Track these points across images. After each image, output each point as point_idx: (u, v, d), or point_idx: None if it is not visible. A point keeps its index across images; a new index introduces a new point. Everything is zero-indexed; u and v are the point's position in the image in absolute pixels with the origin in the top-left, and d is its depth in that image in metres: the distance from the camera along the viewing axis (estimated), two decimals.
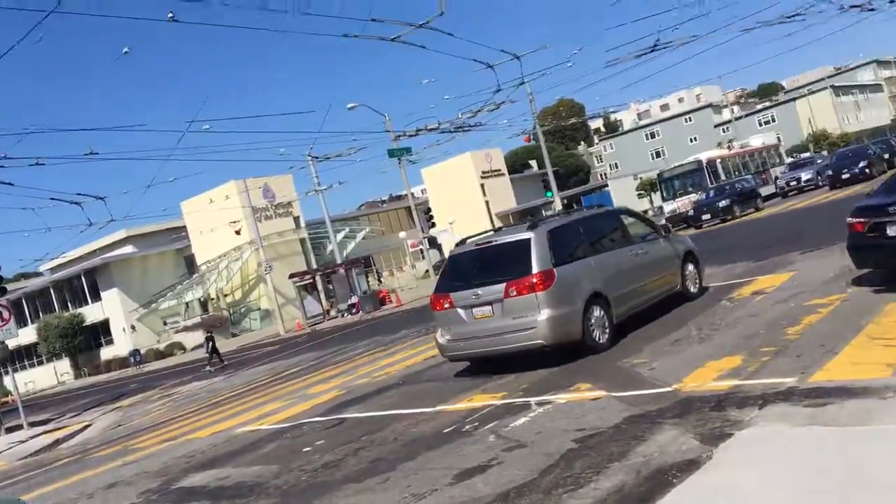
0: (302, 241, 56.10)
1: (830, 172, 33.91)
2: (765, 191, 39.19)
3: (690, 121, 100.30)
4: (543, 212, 63.21)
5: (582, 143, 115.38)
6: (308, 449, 8.74)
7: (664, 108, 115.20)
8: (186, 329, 51.54)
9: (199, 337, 50.24)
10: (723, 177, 38.59)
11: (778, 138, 61.40)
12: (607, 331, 10.20)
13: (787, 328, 8.48)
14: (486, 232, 11.77)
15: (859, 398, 5.69)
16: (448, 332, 10.65)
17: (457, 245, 11.50)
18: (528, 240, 10.05)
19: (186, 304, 54.39)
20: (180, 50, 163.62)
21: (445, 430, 7.85)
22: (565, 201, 52.04)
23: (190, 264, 57.84)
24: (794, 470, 4.72)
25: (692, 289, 12.45)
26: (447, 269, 11.18)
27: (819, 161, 42.03)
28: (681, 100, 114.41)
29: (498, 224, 65.34)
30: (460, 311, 10.37)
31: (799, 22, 25.32)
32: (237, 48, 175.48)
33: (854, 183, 32.10)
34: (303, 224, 56.88)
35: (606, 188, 69.82)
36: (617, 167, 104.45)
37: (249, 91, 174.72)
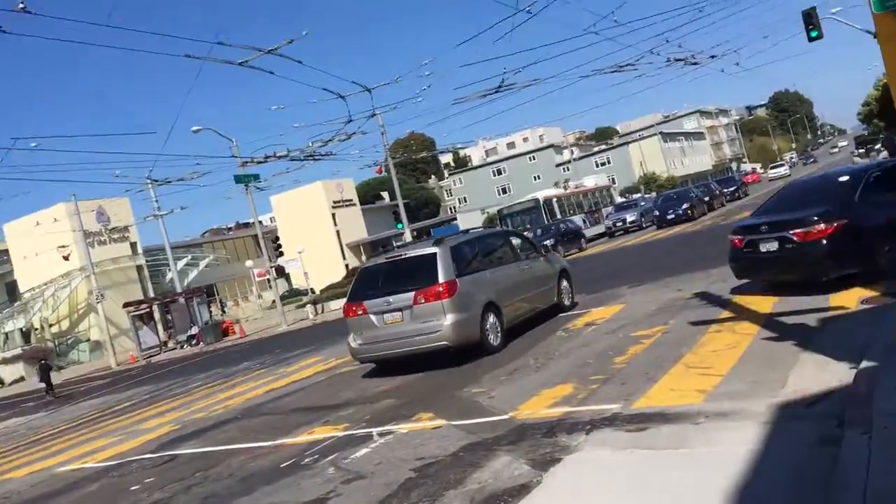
0: (139, 268, 53.27)
1: (657, 213, 37.46)
2: (596, 230, 41.72)
3: (534, 159, 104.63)
4: (394, 242, 63.63)
5: (433, 176, 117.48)
6: (136, 487, 8.28)
7: (510, 145, 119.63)
8: (5, 361, 47.41)
9: (17, 370, 46.42)
10: (558, 214, 40.14)
11: (612, 180, 65.70)
12: (500, 335, 11.56)
13: (614, 357, 9.00)
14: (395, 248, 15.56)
15: (675, 423, 6.12)
16: (360, 336, 11.76)
17: (368, 258, 13.62)
18: (435, 254, 11.29)
19: (6, 334, 50.13)
20: (7, 58, 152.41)
21: (284, 464, 7.70)
22: (415, 233, 52.62)
23: (11, 291, 53.47)
24: (616, 492, 5.01)
25: (566, 301, 14.07)
26: (359, 279, 12.17)
27: (643, 203, 44.82)
28: (525, 139, 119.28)
29: (348, 254, 65.09)
30: (373, 317, 11.52)
31: (630, 71, 27.17)
32: (74, 62, 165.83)
33: (678, 223, 34.84)
34: (140, 250, 54.03)
35: (455, 221, 71.42)
36: (466, 201, 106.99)
37: (85, 108, 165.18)
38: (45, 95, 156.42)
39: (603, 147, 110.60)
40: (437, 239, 12.02)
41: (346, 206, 68.84)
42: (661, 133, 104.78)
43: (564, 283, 14.16)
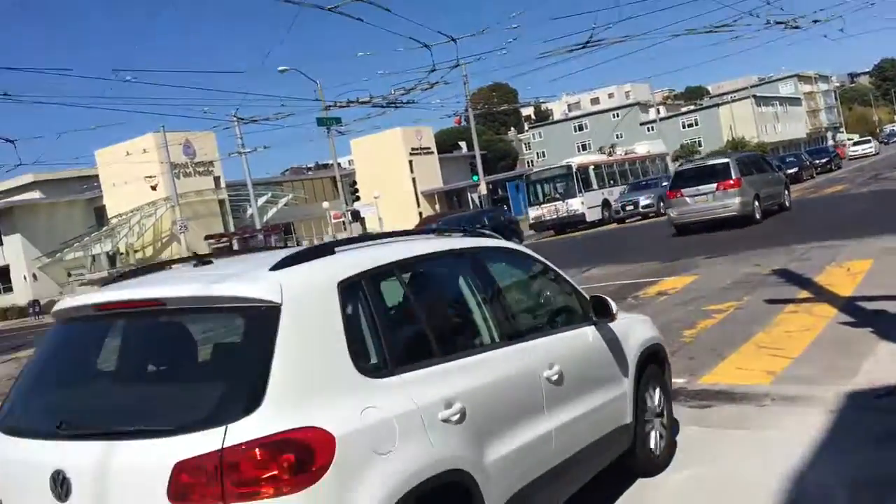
0: (221, 202, 54.99)
1: None
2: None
3: (618, 116, 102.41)
4: (469, 194, 63.71)
5: (512, 128, 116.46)
6: None
7: (594, 101, 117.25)
8: (92, 282, 49.87)
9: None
10: (594, 184, 36.34)
11: (699, 143, 62.88)
12: (759, 212, 20.11)
13: (683, 330, 8.95)
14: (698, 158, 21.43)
15: (740, 403, 6.12)
16: (676, 210, 20.46)
17: (679, 167, 24.46)
18: (727, 163, 20.37)
19: (93, 256, 52.69)
20: None
21: None
22: (490, 186, 52.57)
23: (100, 216, 55.99)
24: (674, 467, 5.07)
25: (787, 204, 22.63)
26: (676, 177, 21.68)
27: (665, 184, 32.77)
28: (611, 95, 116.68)
29: (423, 202, 65.53)
30: (687, 198, 19.98)
31: (726, 32, 26.23)
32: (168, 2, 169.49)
33: None
34: (223, 185, 55.71)
35: None
36: (544, 155, 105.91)
37: (177, 45, 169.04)
38: (141, 29, 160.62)
39: (691, 108, 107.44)
40: (728, 154, 22.66)
41: (424, 153, 69.07)
42: (754, 96, 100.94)
43: (786, 192, 22.91)
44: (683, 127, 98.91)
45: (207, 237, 42.48)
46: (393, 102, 29.90)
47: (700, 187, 19.65)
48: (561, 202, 34.74)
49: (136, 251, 52.42)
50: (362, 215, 55.63)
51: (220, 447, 2.57)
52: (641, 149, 45.90)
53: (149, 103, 60.29)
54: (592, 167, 37.84)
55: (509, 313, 4.04)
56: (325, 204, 46.25)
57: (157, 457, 2.63)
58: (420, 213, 62.46)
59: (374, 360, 3.10)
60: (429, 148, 70.33)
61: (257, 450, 2.58)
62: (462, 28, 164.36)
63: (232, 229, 52.73)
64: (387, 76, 71.63)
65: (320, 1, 16.41)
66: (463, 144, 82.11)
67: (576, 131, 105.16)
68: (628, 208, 33.64)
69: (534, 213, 36.02)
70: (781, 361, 7.02)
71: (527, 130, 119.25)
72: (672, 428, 5.31)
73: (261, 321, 2.84)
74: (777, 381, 6.50)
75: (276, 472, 2.59)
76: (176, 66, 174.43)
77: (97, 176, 54.33)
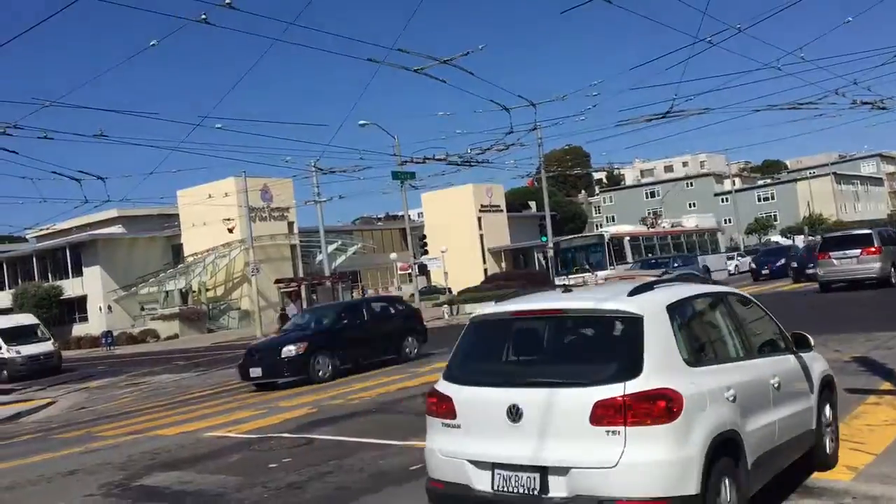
0: (293, 247, 56.16)
1: (753, 266, 37.27)
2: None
3: (691, 186, 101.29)
4: (535, 253, 63.54)
5: (583, 191, 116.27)
6: (274, 465, 8.81)
7: (668, 168, 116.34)
8: (163, 317, 51.33)
9: (173, 327, 49.99)
10: (629, 258, 34.43)
11: (774, 216, 61.19)
12: (894, 279, 24.01)
13: None
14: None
15: (818, 498, 5.85)
16: (823, 270, 24.62)
17: (824, 236, 27.33)
18: (870, 233, 24.22)
19: (167, 292, 54.25)
20: (205, 46, 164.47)
21: (413, 467, 7.93)
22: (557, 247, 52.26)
23: (177, 253, 57.77)
24: None
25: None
26: (824, 242, 25.57)
27: (690, 266, 33.49)
28: (685, 163, 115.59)
29: (489, 259, 65.64)
30: (834, 260, 24.28)
31: (809, 109, 25.81)
32: (261, 54, 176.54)
33: (774, 278, 34.26)
34: (296, 230, 56.94)
35: None
36: (614, 220, 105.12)
37: (265, 96, 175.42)
38: (231, 80, 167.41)
39: (768, 181, 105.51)
40: (870, 225, 25.87)
41: (493, 211, 69.45)
42: (834, 174, 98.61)
43: None
44: (759, 200, 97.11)
45: (277, 281, 43.30)
46: (468, 161, 30.23)
47: (846, 251, 23.88)
48: (590, 275, 31.71)
49: (207, 290, 53.77)
50: (428, 268, 56.07)
51: (622, 393, 4.44)
52: (690, 222, 44.37)
53: (231, 150, 62.32)
54: (628, 238, 36.13)
55: (748, 337, 5.83)
56: (393, 255, 46.80)
57: (583, 398, 4.51)
58: (485, 270, 62.50)
59: (686, 356, 4.86)
60: (498, 206, 70.68)
61: (644, 396, 4.44)
62: (542, 93, 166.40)
63: (301, 274, 53.67)
64: (464, 135, 72.94)
65: (408, 62, 16.88)
66: (532, 204, 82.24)
67: (647, 198, 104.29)
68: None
69: (560, 283, 32.50)
70: (863, 457, 6.70)
71: (598, 194, 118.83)
72: (837, 437, 6.85)
73: (633, 325, 4.76)
74: (859, 479, 6.19)
75: (653, 410, 4.42)
76: (262, 116, 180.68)
77: (177, 215, 56.25)
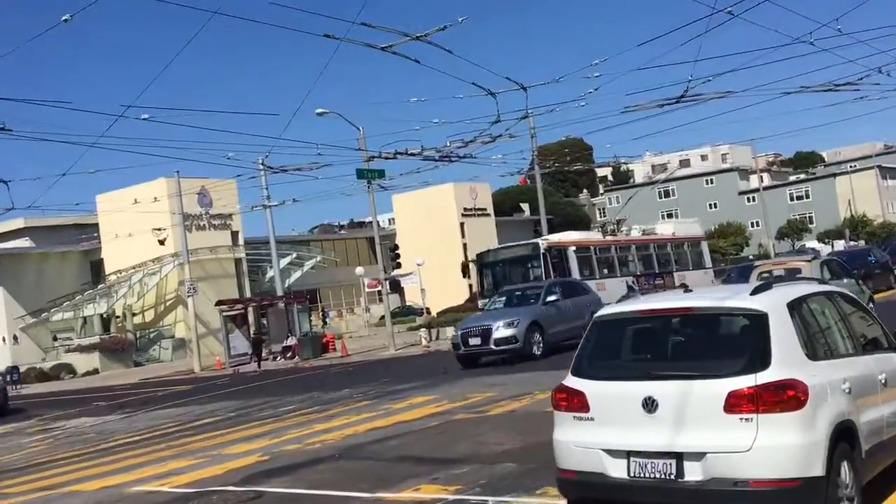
0: (238, 261, 55.91)
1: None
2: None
3: (712, 183, 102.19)
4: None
5: (584, 190, 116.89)
6: None
7: (684, 163, 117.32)
8: (81, 349, 50.84)
9: (93, 360, 49.48)
10: (575, 273, 31.85)
11: (809, 219, 61.21)
12: None
13: None
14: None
15: None
16: None
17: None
18: None
19: (85, 318, 53.71)
20: (126, 25, 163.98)
21: None
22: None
23: (97, 271, 57.29)
24: None
25: None
26: None
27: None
28: (704, 157, 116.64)
29: (473, 272, 65.54)
30: None
31: (849, 91, 26.13)
32: (195, 31, 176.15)
33: None
34: (241, 241, 56.70)
35: None
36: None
37: (202, 82, 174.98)
38: (160, 63, 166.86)
39: (802, 176, 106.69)
40: None
41: (479, 215, 69.65)
42: (879, 167, 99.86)
43: None
44: (791, 199, 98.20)
45: (219, 302, 43.00)
46: (447, 156, 30.30)
47: None
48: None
49: (134, 314, 53.33)
50: (402, 285, 55.94)
51: (754, 384, 5.65)
52: (665, 229, 41.87)
53: (162, 146, 61.87)
54: (574, 249, 33.16)
55: (855, 334, 7.07)
56: (360, 269, 46.66)
57: (717, 389, 5.74)
58: (470, 286, 62.56)
59: (806, 351, 6.11)
60: (485, 209, 70.88)
61: (773, 386, 5.66)
62: (534, 75, 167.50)
63: (248, 293, 53.39)
64: (442, 125, 72.39)
65: (374, 38, 16.88)
66: (526, 207, 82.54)
67: (661, 197, 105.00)
68: (472, 341, 22.70)
69: (483, 303, 30.38)
70: None
71: (602, 194, 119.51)
72: None
73: (759, 321, 6.02)
74: None
75: (783, 399, 5.62)
76: (197, 105, 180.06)
77: (97, 224, 55.77)
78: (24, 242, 59.46)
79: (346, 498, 9.20)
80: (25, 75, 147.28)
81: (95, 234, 56.85)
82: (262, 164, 34.66)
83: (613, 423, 6.07)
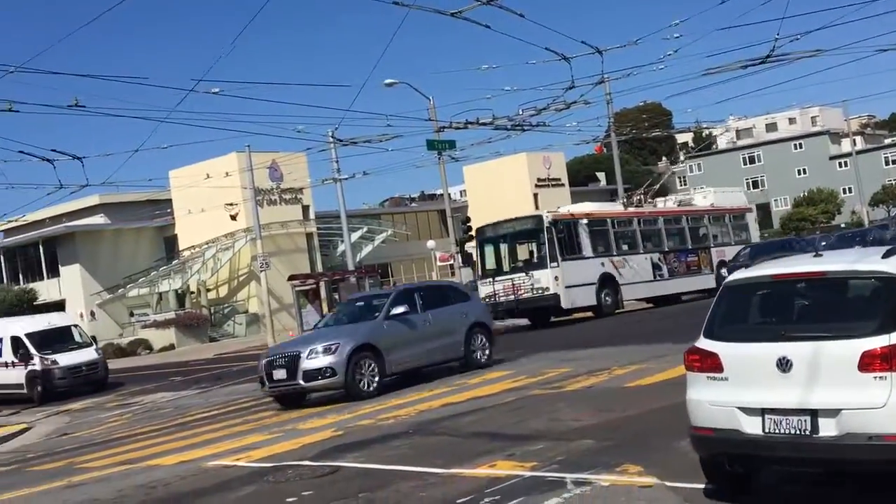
0: (309, 235, 56.66)
1: None
2: (694, 283, 33.25)
3: (801, 147, 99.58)
4: None
5: (664, 158, 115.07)
6: (292, 500, 8.94)
7: (770, 127, 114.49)
8: (157, 325, 52.22)
9: (168, 336, 50.81)
10: (586, 250, 29.89)
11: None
12: None
13: None
14: None
15: None
16: None
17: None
18: None
19: (160, 294, 55.13)
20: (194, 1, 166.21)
21: (459, 501, 8.00)
22: None
23: (170, 247, 58.62)
24: None
25: None
26: None
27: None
28: (792, 121, 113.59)
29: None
30: None
31: None
32: (262, 4, 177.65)
33: None
34: (312, 216, 57.39)
35: None
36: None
37: (271, 55, 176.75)
38: (229, 36, 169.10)
39: None
40: None
41: (553, 185, 69.21)
42: None
43: None
44: (887, 163, 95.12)
45: (291, 277, 43.61)
46: (519, 125, 30.14)
47: None
48: (524, 274, 28.35)
49: (208, 290, 54.53)
50: (475, 258, 55.89)
51: (888, 343, 5.94)
52: (702, 199, 37.88)
53: (232, 120, 62.90)
54: (585, 221, 30.35)
55: None
56: (431, 243, 46.95)
57: (851, 349, 6.06)
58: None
59: None
60: (559, 179, 70.42)
61: None
62: (610, 38, 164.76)
63: (320, 268, 54.08)
64: (514, 93, 72.47)
65: (443, 4, 16.85)
66: (601, 176, 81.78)
67: (745, 164, 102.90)
68: (277, 375, 16.83)
69: (485, 290, 29.32)
70: None
71: (682, 161, 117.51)
72: None
73: (892, 284, 6.31)
74: None
75: None
76: (267, 78, 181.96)
77: (170, 200, 57.01)
78: (99, 219, 61.05)
79: (421, 473, 9.33)
80: (97, 51, 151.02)
81: (169, 210, 58.11)
82: (332, 136, 35.02)
83: (748, 383, 6.50)
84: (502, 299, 28.55)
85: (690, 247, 34.25)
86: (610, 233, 31.19)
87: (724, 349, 6.73)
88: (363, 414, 14.55)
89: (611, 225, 31.42)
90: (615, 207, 34.53)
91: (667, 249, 33.19)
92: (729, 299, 7.22)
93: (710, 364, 6.75)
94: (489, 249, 30.43)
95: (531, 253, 29.35)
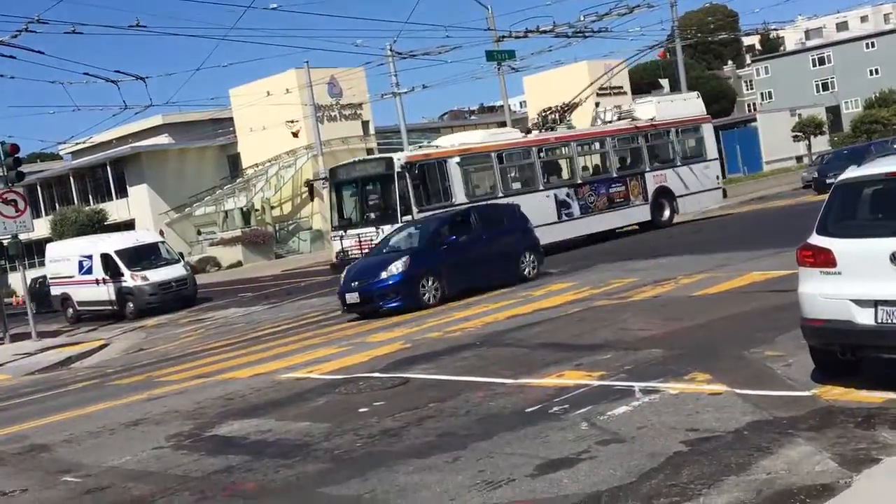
0: (369, 151, 56.69)
1: (816, 175, 34.39)
2: (618, 219, 28.53)
3: (873, 47, 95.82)
4: None
5: (730, 62, 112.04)
6: (365, 410, 9.19)
7: (841, 27, 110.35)
8: (224, 242, 53.13)
9: (236, 253, 51.77)
10: (459, 196, 24.60)
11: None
12: None
13: None
14: None
15: None
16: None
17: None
18: None
19: (226, 212, 55.96)
20: None
21: (528, 410, 8.14)
22: None
23: (234, 165, 59.28)
24: None
25: None
26: None
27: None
28: (864, 19, 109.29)
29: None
30: None
31: None
32: None
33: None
34: (372, 131, 57.36)
35: (754, 123, 67.94)
36: (770, 97, 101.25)
37: None
38: None
39: None
40: None
41: (615, 94, 67.81)
42: None
43: None
44: None
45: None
46: (581, 31, 29.55)
47: None
48: (374, 229, 23.33)
49: (273, 207, 55.22)
50: (329, 205, 55.26)
51: None
52: (645, 110, 31.87)
53: (291, 36, 62.60)
54: (457, 160, 25.18)
55: None
56: None
57: None
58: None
59: None
60: (621, 87, 68.99)
61: None
62: None
63: None
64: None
65: None
66: (665, 82, 79.90)
67: (814, 66, 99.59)
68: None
69: (335, 245, 25.34)
70: None
71: (749, 64, 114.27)
72: None
73: None
74: None
75: None
76: None
77: (231, 119, 57.46)
78: (163, 139, 61.82)
79: (490, 384, 9.49)
80: None
81: (231, 129, 58.59)
82: (391, 50, 34.73)
83: (861, 276, 6.83)
84: (352, 257, 23.15)
85: (615, 175, 29.03)
86: (496, 170, 26.25)
87: (837, 245, 7.03)
88: (430, 327, 14.76)
89: (496, 160, 26.24)
90: (510, 136, 29.24)
91: (580, 182, 28.04)
92: (841, 197, 7.43)
93: (824, 259, 7.06)
94: (342, 196, 26.07)
95: (382, 204, 24.53)
